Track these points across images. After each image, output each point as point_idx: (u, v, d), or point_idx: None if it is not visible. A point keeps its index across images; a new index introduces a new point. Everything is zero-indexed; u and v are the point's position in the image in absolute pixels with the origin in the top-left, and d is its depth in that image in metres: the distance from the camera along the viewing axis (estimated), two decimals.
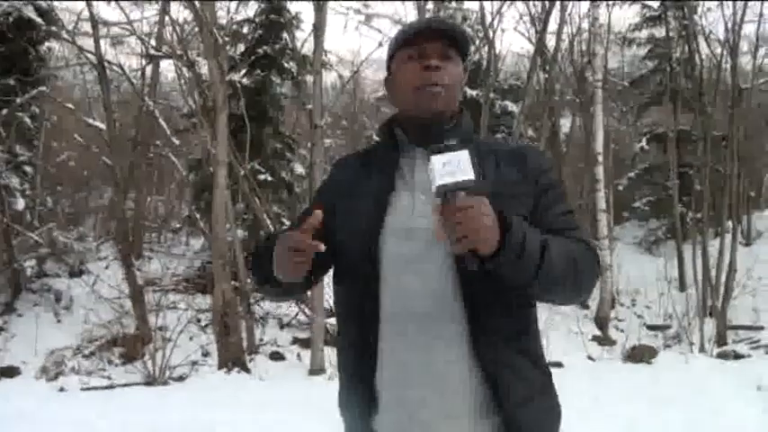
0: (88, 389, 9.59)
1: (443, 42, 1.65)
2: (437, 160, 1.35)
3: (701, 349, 12.94)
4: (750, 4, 16.23)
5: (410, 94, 1.65)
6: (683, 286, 17.10)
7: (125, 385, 9.82)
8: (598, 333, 14.42)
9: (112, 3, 13.59)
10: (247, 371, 10.48)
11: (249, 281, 11.88)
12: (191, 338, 12.27)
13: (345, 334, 1.70)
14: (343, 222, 1.66)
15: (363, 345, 1.60)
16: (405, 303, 1.56)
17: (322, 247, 1.44)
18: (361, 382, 1.61)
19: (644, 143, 21.10)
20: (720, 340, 13.60)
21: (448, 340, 1.54)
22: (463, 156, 1.35)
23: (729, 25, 16.22)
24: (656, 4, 21.18)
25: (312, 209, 1.60)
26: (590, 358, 12.48)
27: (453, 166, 1.34)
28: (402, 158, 1.69)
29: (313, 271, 1.55)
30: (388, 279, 1.58)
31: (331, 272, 1.76)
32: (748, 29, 17.63)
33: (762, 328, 14.45)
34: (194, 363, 11.23)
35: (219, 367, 10.40)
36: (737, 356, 12.53)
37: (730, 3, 16.11)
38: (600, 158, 15.38)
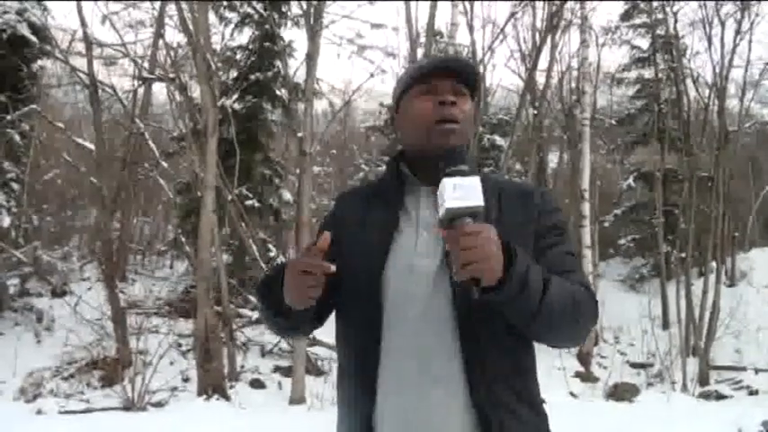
0: (66, 412, 9.45)
1: (456, 80, 1.66)
2: (449, 182, 1.35)
3: (684, 388, 12.94)
4: (738, 50, 16.54)
5: (424, 129, 1.64)
6: (666, 325, 17.14)
7: (103, 409, 9.69)
8: (581, 369, 14.40)
9: (107, 24, 13.66)
10: (227, 398, 10.37)
11: (232, 306, 11.77)
12: (171, 363, 12.15)
13: (346, 368, 1.68)
14: (349, 256, 1.63)
15: (363, 380, 1.59)
16: (404, 341, 1.55)
17: (333, 268, 1.42)
18: (359, 419, 1.59)
19: (630, 181, 21.30)
20: (703, 380, 13.62)
21: (445, 379, 1.52)
22: (474, 181, 1.35)
23: (717, 69, 16.52)
24: (645, 46, 21.53)
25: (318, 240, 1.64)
26: (572, 395, 12.44)
27: (464, 191, 1.34)
28: (407, 196, 1.69)
29: (321, 304, 1.54)
30: (389, 315, 1.57)
31: None
32: (736, 73, 17.93)
33: (744, 368, 14.48)
34: (174, 388, 11.11)
35: (199, 394, 10.28)
36: (720, 397, 12.55)
37: (718, 47, 16.41)
38: (586, 195, 15.50)
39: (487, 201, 1.53)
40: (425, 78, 1.66)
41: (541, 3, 15.70)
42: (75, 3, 12.36)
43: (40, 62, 15.05)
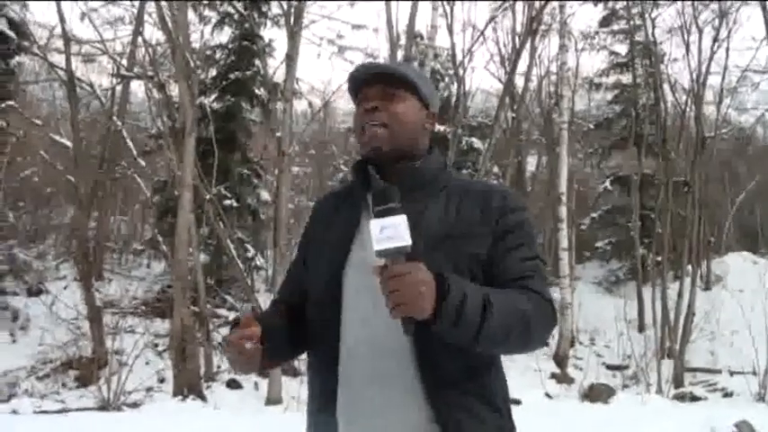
0: (41, 412, 9.34)
1: (386, 84, 1.70)
2: (376, 224, 1.38)
3: (659, 390, 13.04)
4: (715, 57, 16.72)
5: (357, 136, 1.74)
6: (641, 327, 17.28)
7: (78, 410, 9.60)
8: (557, 371, 14.47)
9: (86, 21, 13.53)
10: (203, 399, 10.30)
11: (209, 306, 11.66)
12: (147, 363, 12.06)
13: (311, 362, 1.73)
14: (313, 255, 1.75)
15: (326, 377, 1.62)
16: (361, 338, 1.58)
17: (258, 352, 1.49)
18: (324, 415, 1.62)
19: (607, 185, 21.45)
20: (677, 382, 13.74)
21: (401, 378, 1.55)
22: (400, 220, 1.37)
23: (695, 76, 16.68)
24: (623, 52, 21.71)
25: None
26: (548, 396, 12.51)
27: (390, 231, 1.36)
28: (369, 194, 1.68)
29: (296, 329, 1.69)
30: (348, 310, 1.61)
31: None
32: (713, 80, 18.10)
33: (719, 371, 14.63)
34: (149, 389, 11.03)
35: (175, 394, 10.20)
36: (694, 398, 12.67)
37: (696, 54, 16.60)
38: (564, 198, 15.57)
39: (447, 205, 1.64)
40: (359, 88, 1.75)
41: (521, 7, 15.80)
42: None
43: (17, 58, 14.90)
